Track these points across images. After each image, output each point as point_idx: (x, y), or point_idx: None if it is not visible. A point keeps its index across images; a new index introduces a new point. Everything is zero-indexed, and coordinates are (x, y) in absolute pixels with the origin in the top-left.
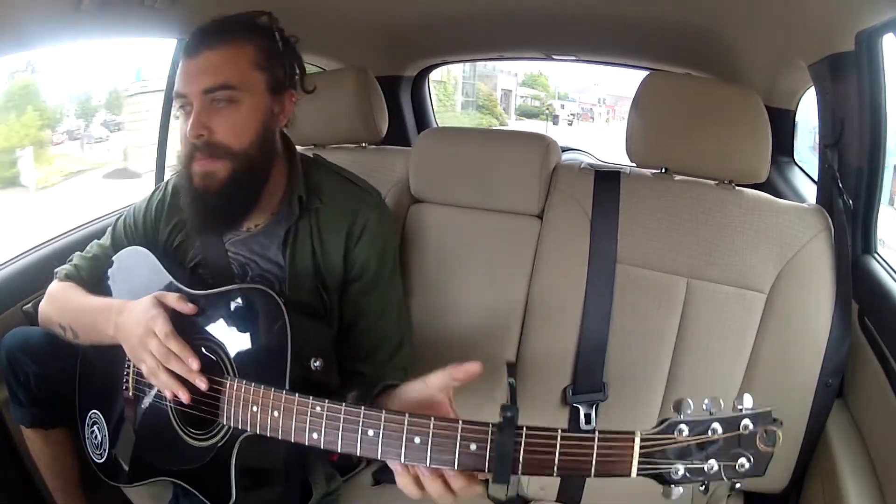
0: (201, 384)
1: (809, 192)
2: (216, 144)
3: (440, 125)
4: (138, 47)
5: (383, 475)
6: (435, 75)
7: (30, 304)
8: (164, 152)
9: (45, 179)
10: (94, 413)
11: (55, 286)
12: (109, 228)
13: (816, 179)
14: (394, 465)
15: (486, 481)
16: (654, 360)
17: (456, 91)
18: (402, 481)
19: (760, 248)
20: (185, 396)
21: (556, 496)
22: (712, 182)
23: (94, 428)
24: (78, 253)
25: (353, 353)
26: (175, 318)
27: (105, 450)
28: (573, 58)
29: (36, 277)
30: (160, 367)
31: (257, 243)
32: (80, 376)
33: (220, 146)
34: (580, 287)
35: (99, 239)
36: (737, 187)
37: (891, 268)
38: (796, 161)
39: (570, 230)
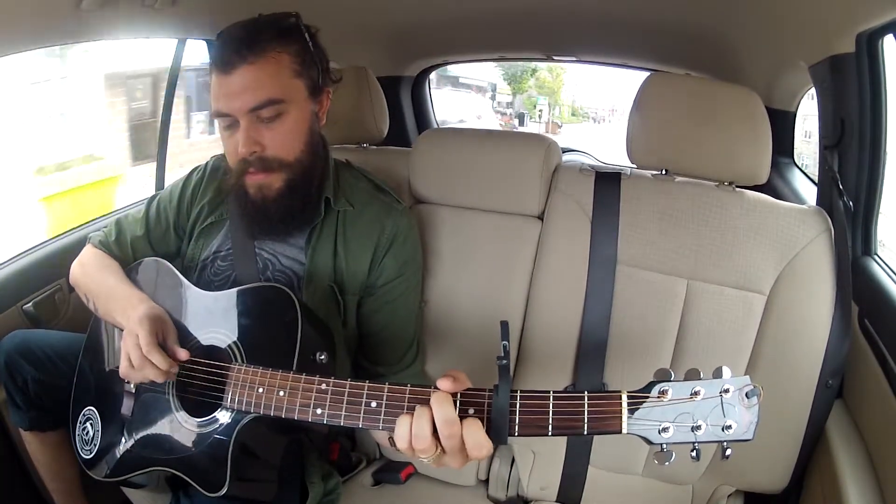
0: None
1: (809, 193)
2: (270, 159)
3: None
4: None
5: (383, 475)
6: (568, 99)
7: (30, 304)
8: (163, 152)
9: None
10: (89, 409)
11: (88, 252)
12: (144, 204)
13: (816, 180)
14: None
15: (486, 482)
16: (653, 361)
17: (570, 107)
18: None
19: (761, 250)
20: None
21: (556, 496)
22: (713, 183)
23: (87, 424)
24: (113, 220)
25: (377, 358)
26: (189, 311)
27: (96, 445)
28: (573, 58)
29: (36, 277)
30: (135, 372)
31: (282, 239)
32: (80, 374)
33: (274, 160)
34: (580, 288)
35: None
36: (737, 188)
37: (891, 269)
38: (796, 162)
39: (570, 231)
